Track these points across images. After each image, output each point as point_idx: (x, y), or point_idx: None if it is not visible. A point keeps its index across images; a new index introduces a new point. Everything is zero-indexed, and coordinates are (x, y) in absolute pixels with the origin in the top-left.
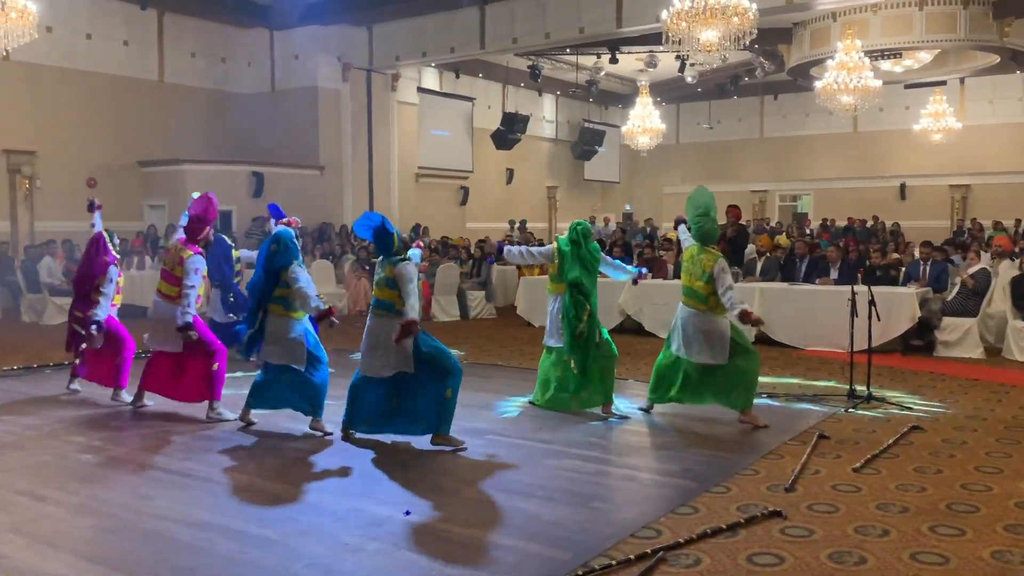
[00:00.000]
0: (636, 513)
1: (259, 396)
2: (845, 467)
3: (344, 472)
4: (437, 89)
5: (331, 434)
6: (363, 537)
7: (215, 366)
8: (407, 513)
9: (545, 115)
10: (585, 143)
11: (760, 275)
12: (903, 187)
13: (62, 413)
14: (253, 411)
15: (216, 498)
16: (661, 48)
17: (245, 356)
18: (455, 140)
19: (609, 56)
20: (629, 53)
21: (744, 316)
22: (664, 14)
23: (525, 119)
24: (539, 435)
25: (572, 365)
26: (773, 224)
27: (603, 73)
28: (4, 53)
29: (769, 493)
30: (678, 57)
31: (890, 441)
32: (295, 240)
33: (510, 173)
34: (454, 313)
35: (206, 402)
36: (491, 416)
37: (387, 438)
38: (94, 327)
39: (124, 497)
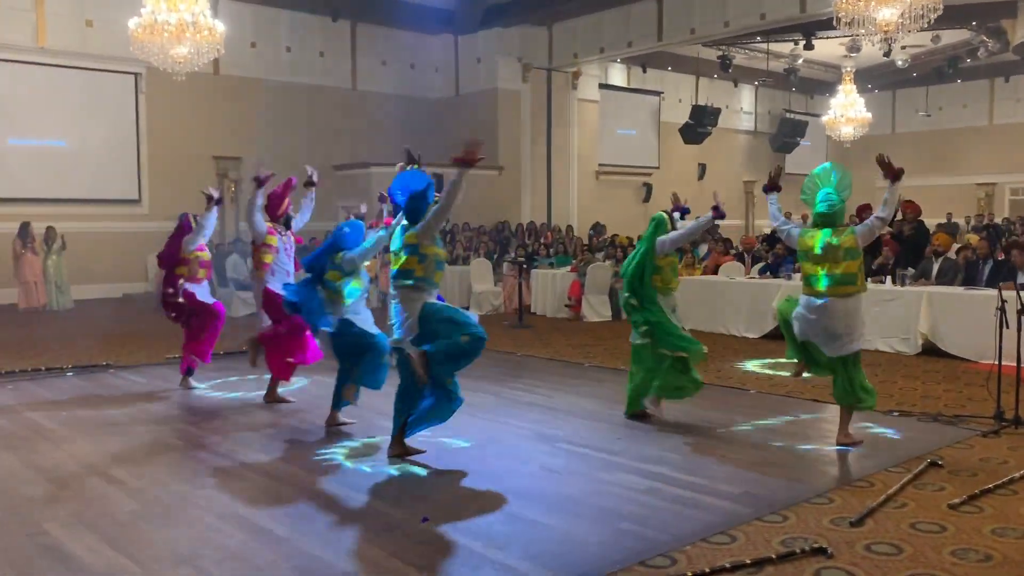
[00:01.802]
0: (662, 538)
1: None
2: (942, 502)
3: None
4: (624, 85)
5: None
6: (360, 541)
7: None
8: (425, 520)
9: (743, 106)
10: (785, 135)
11: (936, 278)
12: None
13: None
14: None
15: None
16: (862, 31)
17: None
18: (640, 135)
19: (804, 42)
20: (825, 38)
21: None
22: None
23: (716, 112)
24: (612, 445)
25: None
26: (998, 221)
27: (801, 61)
28: (213, 68)
29: (831, 527)
30: (884, 40)
31: (1017, 475)
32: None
33: (702, 168)
34: (605, 313)
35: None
36: (577, 422)
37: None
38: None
39: (183, 486)
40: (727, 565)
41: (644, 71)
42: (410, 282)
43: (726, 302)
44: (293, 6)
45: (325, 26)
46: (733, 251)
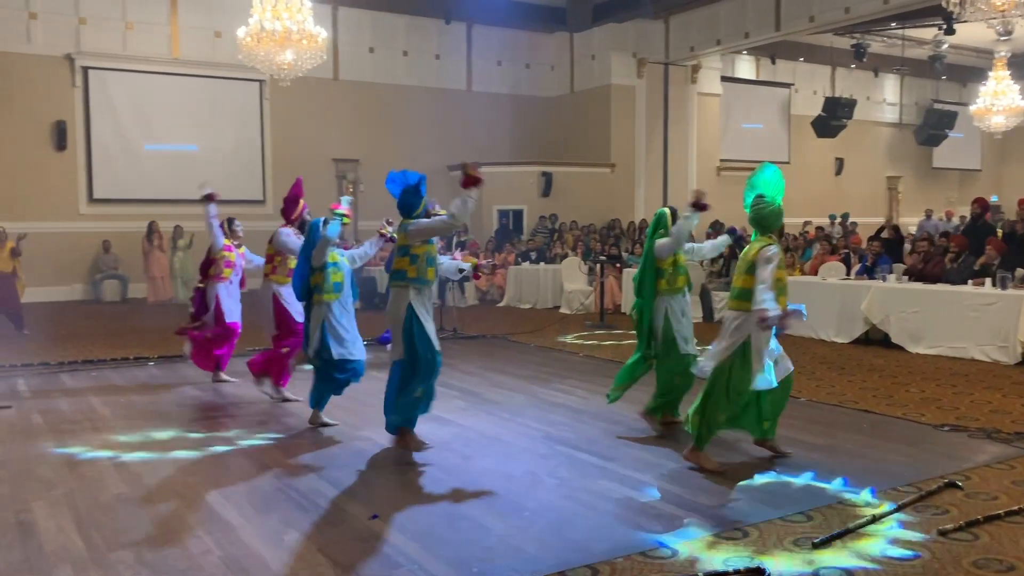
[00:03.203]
0: (601, 547)
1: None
2: (934, 527)
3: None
4: (753, 77)
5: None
6: (303, 535)
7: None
8: (374, 517)
9: (886, 97)
10: (931, 127)
11: None
12: None
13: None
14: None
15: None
16: (1016, 12)
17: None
18: (768, 129)
19: (945, 27)
20: (963, 22)
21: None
22: None
23: (851, 103)
24: (613, 450)
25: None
26: None
27: (946, 47)
28: (332, 74)
29: (791, 548)
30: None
31: None
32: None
33: (839, 163)
34: (696, 314)
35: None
36: (594, 425)
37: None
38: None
39: (177, 473)
40: None
41: (773, 62)
42: (403, 281)
43: (813, 305)
44: (411, 11)
45: (441, 29)
46: (843, 251)
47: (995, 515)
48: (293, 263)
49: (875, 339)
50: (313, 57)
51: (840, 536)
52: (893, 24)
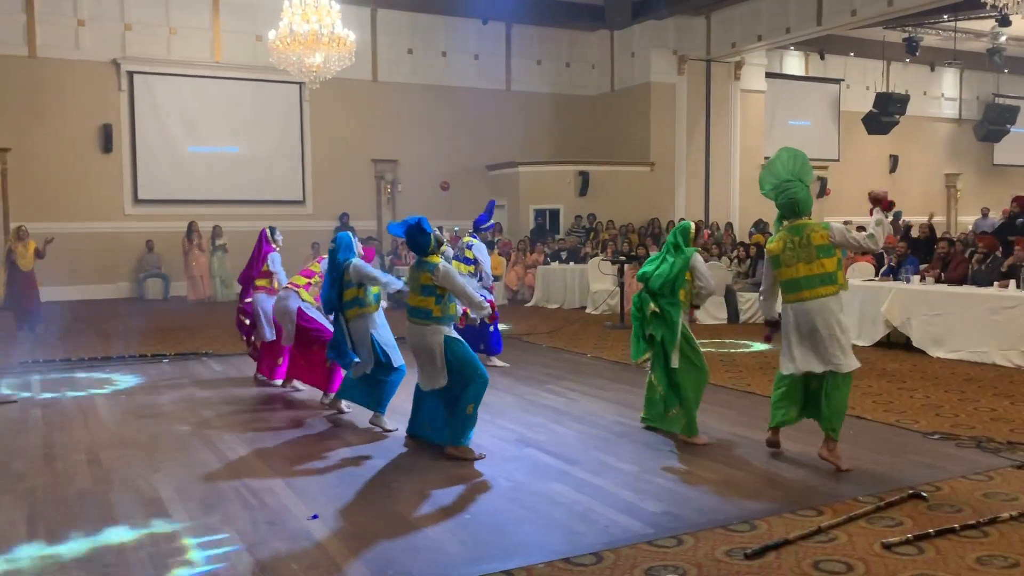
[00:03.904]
0: (521, 553)
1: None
2: (880, 540)
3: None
4: (802, 73)
5: (394, 430)
6: (234, 532)
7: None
8: (314, 517)
9: (944, 92)
10: (991, 122)
11: None
12: None
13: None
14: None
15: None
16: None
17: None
18: (816, 126)
19: (1000, 19)
20: (1017, 14)
21: None
22: None
23: (903, 99)
24: (584, 454)
25: (653, 378)
26: None
27: (1004, 39)
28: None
29: (720, 558)
30: None
31: (1004, 515)
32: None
33: (894, 160)
34: (720, 316)
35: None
36: (573, 428)
37: None
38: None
39: (146, 471)
40: None
41: (822, 58)
42: (427, 320)
43: None
44: (450, 12)
45: (479, 30)
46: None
47: (949, 528)
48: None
49: (898, 343)
50: (342, 59)
51: (776, 547)
52: (945, 16)
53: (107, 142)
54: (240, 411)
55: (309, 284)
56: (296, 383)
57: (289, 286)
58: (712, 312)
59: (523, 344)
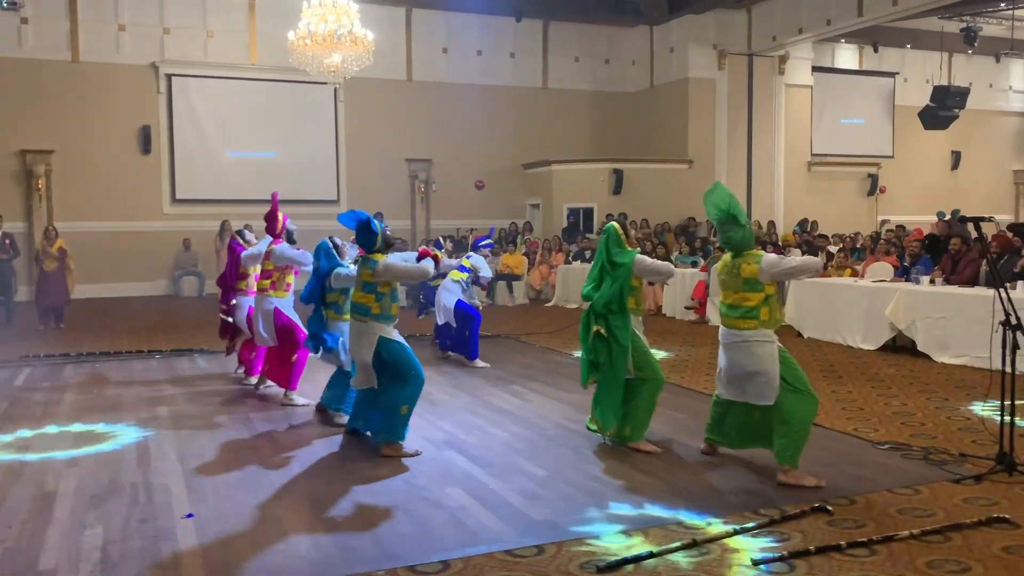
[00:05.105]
0: (375, 557)
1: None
2: (755, 555)
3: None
4: (855, 67)
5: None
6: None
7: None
8: (189, 516)
9: (1012, 84)
10: None
11: None
12: None
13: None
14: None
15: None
16: None
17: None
18: (868, 121)
19: None
20: None
21: None
22: None
23: (963, 92)
24: (495, 459)
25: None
26: None
27: None
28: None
29: (574, 571)
30: None
31: (899, 534)
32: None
33: (956, 156)
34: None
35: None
36: (500, 432)
37: None
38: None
39: (115, 472)
40: None
41: (876, 50)
42: (366, 317)
43: (840, 308)
44: (485, 10)
45: (516, 28)
46: (895, 251)
47: (833, 546)
48: (291, 277)
49: (904, 346)
50: (361, 59)
51: (634, 561)
52: (1002, 4)
53: (146, 143)
54: (203, 407)
55: (273, 283)
56: (269, 382)
57: (259, 291)
58: None
59: (517, 344)
